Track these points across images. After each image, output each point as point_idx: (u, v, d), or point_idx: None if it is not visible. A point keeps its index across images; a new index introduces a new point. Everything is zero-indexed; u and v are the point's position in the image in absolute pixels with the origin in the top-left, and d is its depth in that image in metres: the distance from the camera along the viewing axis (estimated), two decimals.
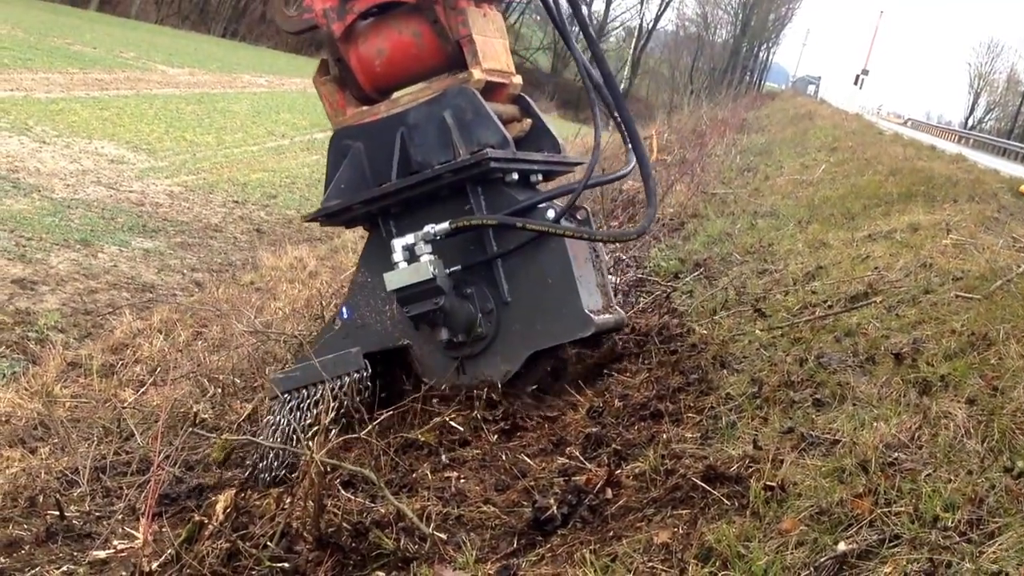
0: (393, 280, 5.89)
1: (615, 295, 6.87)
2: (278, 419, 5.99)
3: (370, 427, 5.10)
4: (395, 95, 6.56)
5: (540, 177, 6.49)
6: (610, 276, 7.68)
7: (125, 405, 7.44)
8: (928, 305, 6.38)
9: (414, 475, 5.21)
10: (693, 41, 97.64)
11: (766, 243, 9.95)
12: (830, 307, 6.78)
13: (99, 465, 6.33)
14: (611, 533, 4.23)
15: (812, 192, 12.72)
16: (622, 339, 6.83)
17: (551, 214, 5.96)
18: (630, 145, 6.60)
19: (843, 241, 9.09)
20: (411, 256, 5.94)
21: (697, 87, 43.94)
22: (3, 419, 7.16)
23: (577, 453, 5.12)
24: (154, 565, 4.60)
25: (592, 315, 5.93)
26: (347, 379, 5.90)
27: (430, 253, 5.88)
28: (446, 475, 5.22)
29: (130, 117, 24.36)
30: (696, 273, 8.99)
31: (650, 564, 3.75)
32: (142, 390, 7.80)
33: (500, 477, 5.12)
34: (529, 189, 6.32)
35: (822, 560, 3.45)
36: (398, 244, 5.93)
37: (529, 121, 6.59)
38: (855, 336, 5.95)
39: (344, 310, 6.48)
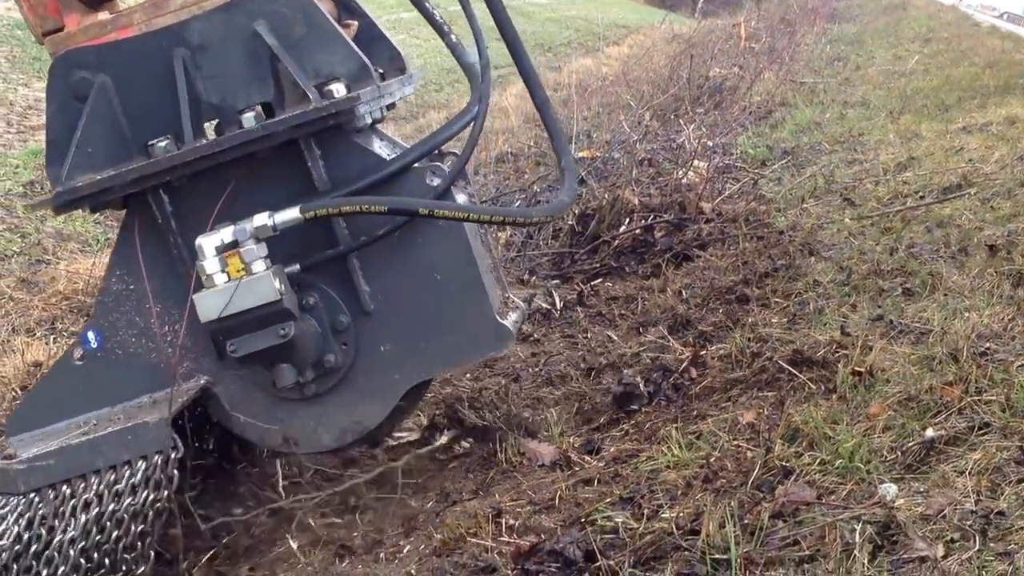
0: (212, 305, 3.79)
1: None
2: (13, 528, 3.79)
3: None
4: None
5: (385, 112, 4.35)
6: None
7: None
8: None
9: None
10: None
11: (856, 133, 9.77)
12: (922, 198, 6.69)
13: None
14: (695, 412, 4.28)
15: (904, 83, 12.42)
16: (709, 225, 6.83)
17: (433, 179, 3.99)
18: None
19: (936, 132, 8.90)
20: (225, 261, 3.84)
21: None
22: (100, 283, 7.34)
23: (665, 332, 5.17)
24: None
25: (507, 323, 4.12)
26: (142, 465, 3.80)
27: (265, 258, 3.82)
28: (533, 352, 5.29)
29: None
30: (784, 161, 8.89)
31: (735, 443, 3.79)
32: None
33: (586, 355, 5.18)
34: (375, 134, 4.23)
35: (909, 445, 3.46)
36: (208, 244, 3.78)
37: (355, 23, 4.37)
38: (947, 227, 5.87)
39: (89, 335, 4.14)
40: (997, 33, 17.14)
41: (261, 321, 3.81)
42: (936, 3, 26.04)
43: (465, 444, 4.60)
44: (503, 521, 3.62)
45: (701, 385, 4.50)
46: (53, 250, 8.16)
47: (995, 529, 2.88)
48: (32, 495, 3.80)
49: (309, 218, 3.82)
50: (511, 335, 4.10)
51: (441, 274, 4.04)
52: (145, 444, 3.79)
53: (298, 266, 3.97)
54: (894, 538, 2.94)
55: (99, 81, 3.89)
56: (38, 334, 6.65)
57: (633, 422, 4.38)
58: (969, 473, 3.19)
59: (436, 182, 3.97)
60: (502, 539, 3.49)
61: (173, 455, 3.77)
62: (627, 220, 7.02)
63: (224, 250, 3.77)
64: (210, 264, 3.77)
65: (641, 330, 5.38)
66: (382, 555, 3.68)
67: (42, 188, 9.15)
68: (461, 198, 4.12)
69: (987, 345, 4.06)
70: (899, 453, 3.44)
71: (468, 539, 3.55)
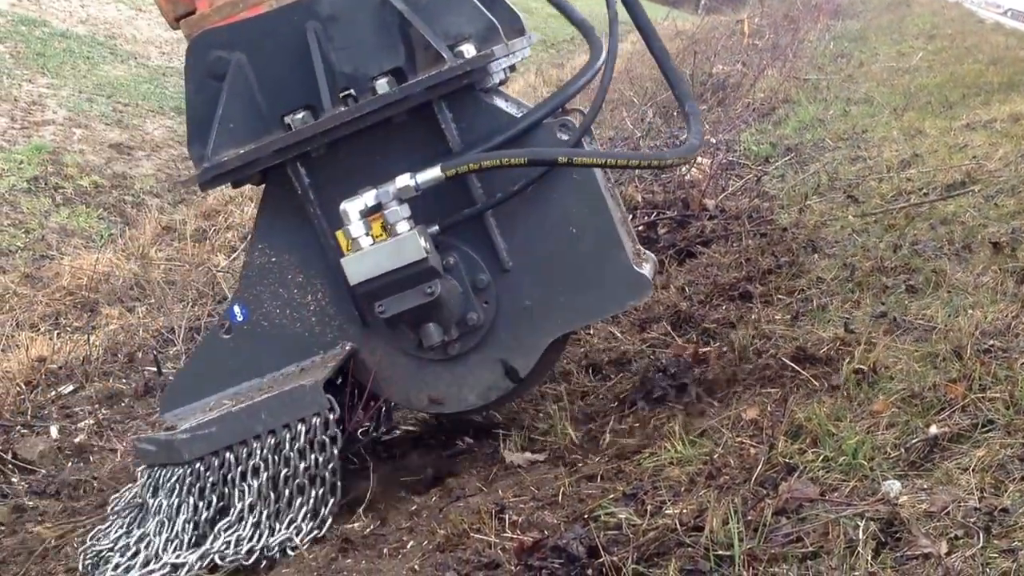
0: (361, 267, 3.90)
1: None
2: (175, 503, 3.95)
3: None
4: None
5: (508, 74, 4.48)
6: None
7: (218, 269, 7.61)
8: None
9: None
10: None
11: (859, 130, 9.76)
12: (926, 195, 6.69)
13: (193, 325, 6.53)
14: (698, 408, 4.28)
15: (908, 80, 12.41)
16: (712, 222, 6.83)
17: (562, 134, 4.05)
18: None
19: (940, 129, 8.89)
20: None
21: None
22: (103, 278, 7.37)
23: (668, 328, 5.17)
24: None
25: (643, 272, 4.17)
26: (300, 428, 3.93)
27: (409, 218, 3.91)
28: None
29: None
30: (787, 158, 8.88)
31: (739, 439, 3.80)
32: (234, 256, 7.94)
33: (589, 351, 5.18)
34: (499, 94, 4.24)
35: (913, 442, 3.46)
36: (352, 209, 3.89)
37: None
38: (951, 224, 5.86)
39: (235, 309, 4.30)
40: (1001, 30, 17.12)
41: (408, 281, 3.92)
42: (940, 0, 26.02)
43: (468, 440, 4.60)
44: (506, 517, 3.62)
45: (704, 382, 4.49)
46: (57, 245, 8.19)
47: (999, 526, 2.88)
48: (197, 463, 3.94)
49: (450, 176, 3.91)
50: (649, 284, 4.18)
51: (576, 227, 4.11)
52: (303, 407, 3.93)
53: (437, 227, 4.05)
54: (898, 535, 2.94)
55: (235, 59, 3.99)
56: (42, 329, 6.69)
57: (637, 418, 4.37)
58: (973, 470, 3.19)
59: (566, 136, 4.03)
60: (505, 535, 3.48)
61: (331, 416, 3.93)
62: (630, 216, 7.01)
63: (368, 214, 3.90)
64: (355, 228, 3.89)
65: (644, 327, 5.37)
66: (385, 550, 3.68)
67: (46, 183, 9.16)
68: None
69: (991, 342, 4.06)
70: (903, 450, 3.44)
71: (471, 535, 3.55)
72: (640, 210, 7.08)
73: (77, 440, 5.15)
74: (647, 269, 4.23)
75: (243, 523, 3.87)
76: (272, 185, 4.21)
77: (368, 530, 3.91)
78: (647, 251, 4.56)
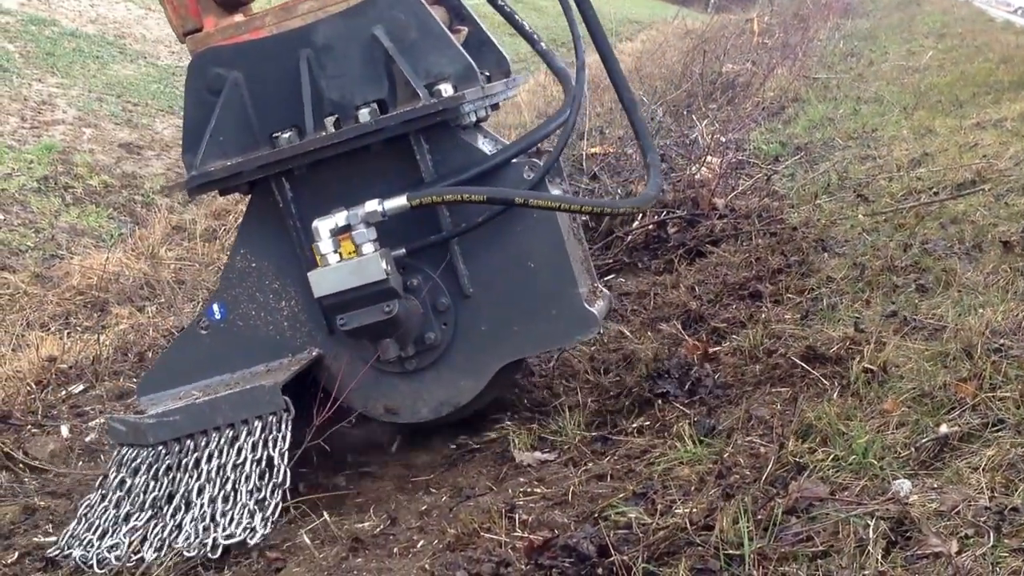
0: (325, 282, 4.17)
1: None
2: (139, 483, 4.19)
3: None
4: (289, 2, 4.41)
5: (489, 112, 4.69)
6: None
7: None
8: None
9: None
10: None
11: (869, 129, 9.75)
12: (936, 194, 6.68)
13: None
14: (708, 408, 4.28)
15: (918, 79, 12.39)
16: (722, 221, 6.83)
17: (530, 173, 4.27)
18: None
19: (950, 128, 8.88)
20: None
21: None
22: (113, 278, 7.38)
23: (679, 326, 5.17)
24: None
25: (593, 310, 4.40)
26: (258, 424, 4.13)
27: (374, 241, 4.18)
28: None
29: None
30: (797, 157, 8.88)
31: (748, 439, 3.80)
32: None
33: (599, 350, 5.18)
34: (479, 131, 4.51)
35: (923, 441, 3.46)
36: (323, 227, 4.14)
37: (465, 29, 4.74)
38: (962, 223, 5.86)
39: (214, 307, 4.57)
40: (1012, 28, 17.07)
41: (368, 298, 4.17)
42: None
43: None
44: (516, 516, 3.63)
45: (714, 381, 4.49)
46: (67, 245, 8.20)
47: (1009, 525, 2.88)
48: (160, 447, 4.20)
49: (415, 205, 4.15)
50: (597, 322, 4.41)
51: (534, 262, 4.36)
52: (261, 405, 4.16)
53: (404, 250, 4.30)
54: (908, 534, 2.94)
55: (232, 77, 4.29)
56: (52, 329, 6.69)
57: (646, 418, 4.37)
58: (983, 469, 3.19)
59: (533, 175, 4.28)
60: (515, 534, 3.49)
61: (286, 416, 4.14)
62: (640, 216, 7.02)
63: (338, 233, 4.15)
64: (325, 245, 4.15)
65: (654, 326, 5.37)
66: (396, 550, 3.69)
67: (56, 183, 9.18)
68: (555, 192, 4.45)
69: (1001, 341, 4.06)
70: (913, 449, 3.44)
71: (482, 534, 3.56)
72: (650, 209, 7.06)
73: (88, 439, 5.16)
74: (598, 307, 4.47)
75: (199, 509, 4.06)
76: (257, 196, 4.46)
77: (378, 529, 3.91)
78: (604, 289, 4.82)
